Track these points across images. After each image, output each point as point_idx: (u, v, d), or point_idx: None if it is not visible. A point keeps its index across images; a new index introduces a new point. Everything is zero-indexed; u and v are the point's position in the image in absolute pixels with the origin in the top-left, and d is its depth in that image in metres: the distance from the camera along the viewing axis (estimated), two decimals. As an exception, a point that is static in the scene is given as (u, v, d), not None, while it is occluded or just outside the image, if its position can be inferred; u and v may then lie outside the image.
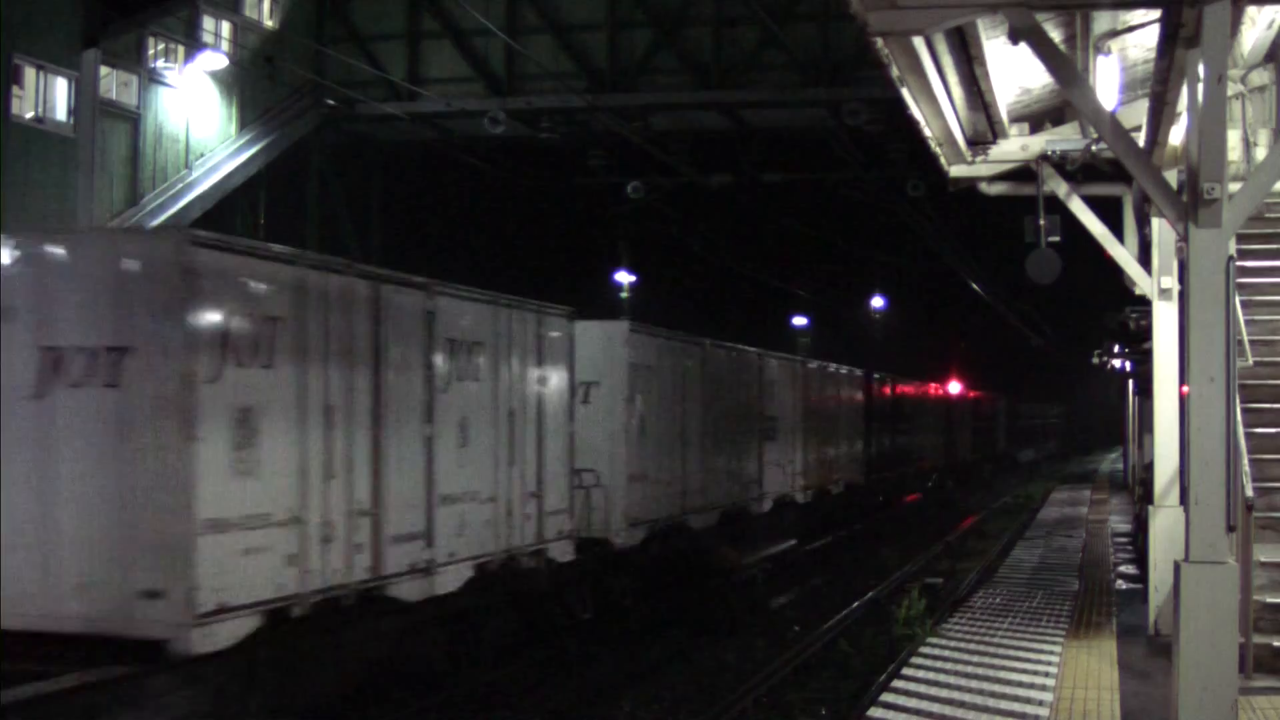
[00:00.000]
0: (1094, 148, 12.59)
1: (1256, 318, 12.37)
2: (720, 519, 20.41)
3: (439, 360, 12.27)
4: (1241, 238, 12.29)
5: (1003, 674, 11.41)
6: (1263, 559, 10.44)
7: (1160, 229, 13.13)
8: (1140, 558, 17.16)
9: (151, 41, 23.76)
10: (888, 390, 35.75)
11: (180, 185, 24.00)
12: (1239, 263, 10.54)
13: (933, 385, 43.74)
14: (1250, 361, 11.74)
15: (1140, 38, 11.47)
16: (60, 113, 21.43)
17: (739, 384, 21.99)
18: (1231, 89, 11.72)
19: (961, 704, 10.48)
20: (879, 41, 9.22)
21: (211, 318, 9.43)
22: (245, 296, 9.80)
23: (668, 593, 17.77)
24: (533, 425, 14.09)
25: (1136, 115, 11.70)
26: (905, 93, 10.75)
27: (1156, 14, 9.06)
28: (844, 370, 30.69)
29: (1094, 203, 13.51)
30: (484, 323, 13.23)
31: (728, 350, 21.69)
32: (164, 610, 9.01)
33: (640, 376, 17.25)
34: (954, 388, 48.41)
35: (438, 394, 12.16)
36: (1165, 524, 12.69)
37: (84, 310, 9.48)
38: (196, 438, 9.17)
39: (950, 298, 47.37)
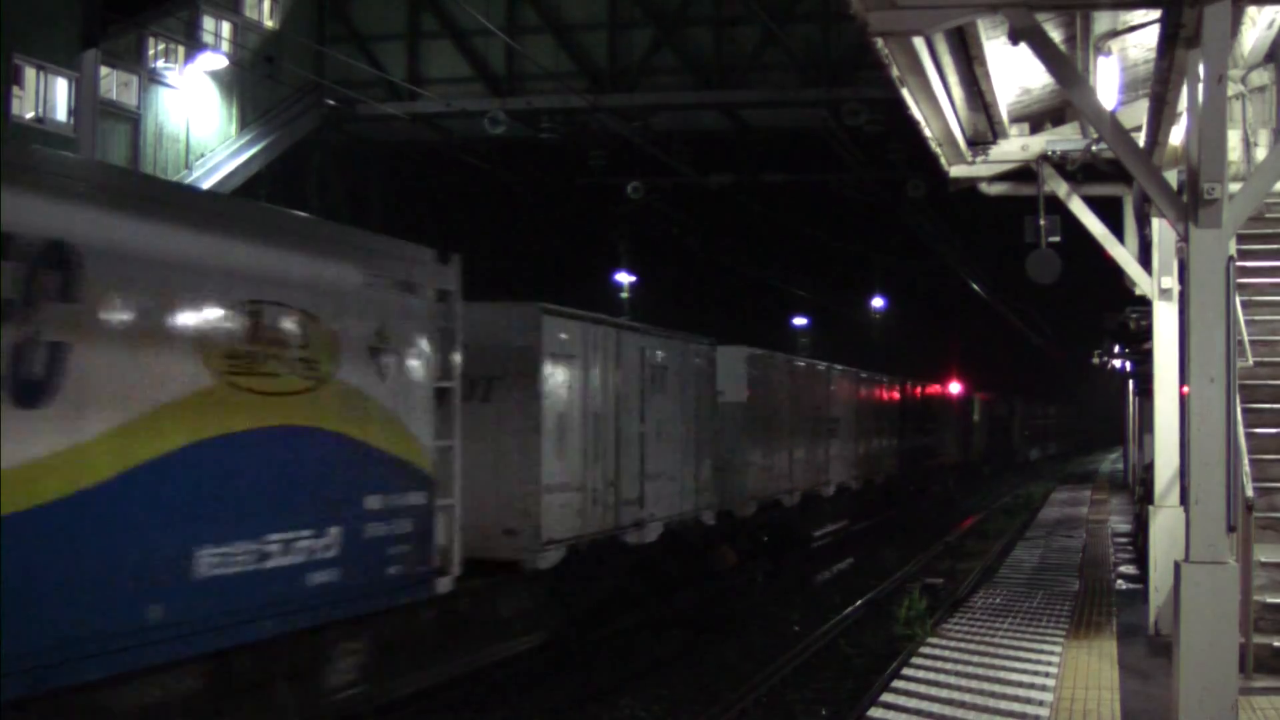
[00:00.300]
0: (1094, 148, 12.59)
1: (1256, 318, 12.37)
2: (801, 499, 25.54)
3: (647, 380, 17.33)
4: (1241, 238, 12.30)
5: (1003, 674, 11.41)
6: (1263, 559, 10.44)
7: (1160, 229, 13.13)
8: (1140, 558, 17.16)
9: (151, 41, 23.78)
10: (918, 393, 40.00)
11: (180, 185, 24.02)
12: (1239, 263, 10.54)
13: (953, 388, 48.07)
14: (1250, 361, 11.74)
15: (1140, 38, 11.47)
16: (60, 113, 21.44)
17: (813, 391, 27.00)
18: (1231, 89, 11.72)
19: (961, 704, 10.48)
20: (879, 41, 9.22)
21: (547, 355, 14.43)
22: (561, 343, 14.85)
23: (769, 549, 23.31)
24: (694, 426, 18.94)
25: (1136, 115, 11.70)
26: (905, 93, 10.75)
27: (1157, 14, 9.06)
28: (885, 377, 35.47)
29: (1094, 203, 13.51)
30: (671, 354, 18.29)
31: (806, 364, 27.93)
32: (520, 541, 13.87)
33: (755, 387, 22.52)
34: (972, 390, 52.69)
35: (646, 404, 17.23)
36: (1165, 524, 12.69)
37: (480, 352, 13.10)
38: (541, 432, 14.05)
39: (953, 299, 47.46)
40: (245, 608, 8.86)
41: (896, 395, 36.57)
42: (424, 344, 11.14)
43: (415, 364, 11.04)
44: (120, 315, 8.06)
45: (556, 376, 14.60)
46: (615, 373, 16.25)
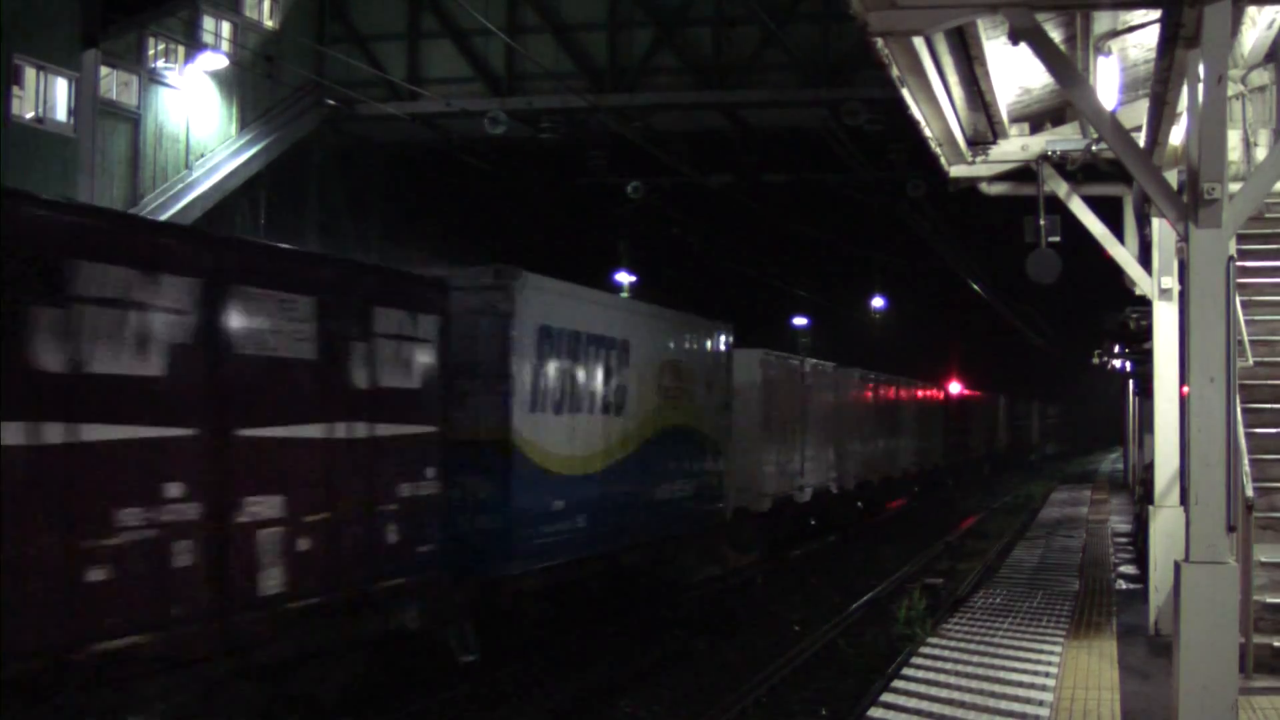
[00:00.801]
0: (1094, 148, 12.59)
1: (1256, 318, 12.37)
2: (881, 479, 35.46)
3: (807, 392, 27.44)
4: (1241, 238, 12.29)
5: (1003, 674, 11.41)
6: (1263, 559, 10.44)
7: (1160, 229, 13.13)
8: (1140, 558, 17.17)
9: (152, 41, 23.78)
10: (955, 396, 49.40)
11: (180, 185, 24.01)
12: (1239, 263, 10.55)
13: (981, 391, 56.51)
14: (1250, 361, 11.74)
15: (1140, 38, 11.47)
16: (60, 113, 21.44)
17: (884, 397, 36.40)
18: (1231, 89, 11.73)
19: (961, 704, 10.48)
20: (879, 41, 9.22)
21: (764, 383, 23.95)
22: (768, 374, 24.45)
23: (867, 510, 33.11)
24: (827, 423, 28.71)
25: (1136, 115, 11.70)
26: (905, 93, 10.75)
27: (1157, 14, 9.05)
28: (934, 386, 46.14)
29: (1094, 203, 13.51)
30: (820, 375, 29.25)
31: (877, 376, 35.80)
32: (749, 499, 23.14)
33: (854, 397, 32.88)
34: (997, 393, 62.01)
35: (807, 407, 27.05)
36: (1165, 524, 12.70)
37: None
38: (764, 427, 23.43)
39: (964, 304, 47.49)
40: (670, 521, 18.39)
41: (941, 398, 47.24)
42: (721, 378, 20.75)
43: (717, 389, 20.47)
44: (640, 371, 17.26)
45: (773, 399, 24.68)
46: (796, 390, 26.50)
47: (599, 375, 16.12)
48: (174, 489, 8.79)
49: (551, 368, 14.73)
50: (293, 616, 9.87)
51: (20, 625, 7.53)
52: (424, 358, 12.01)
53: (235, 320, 9.53)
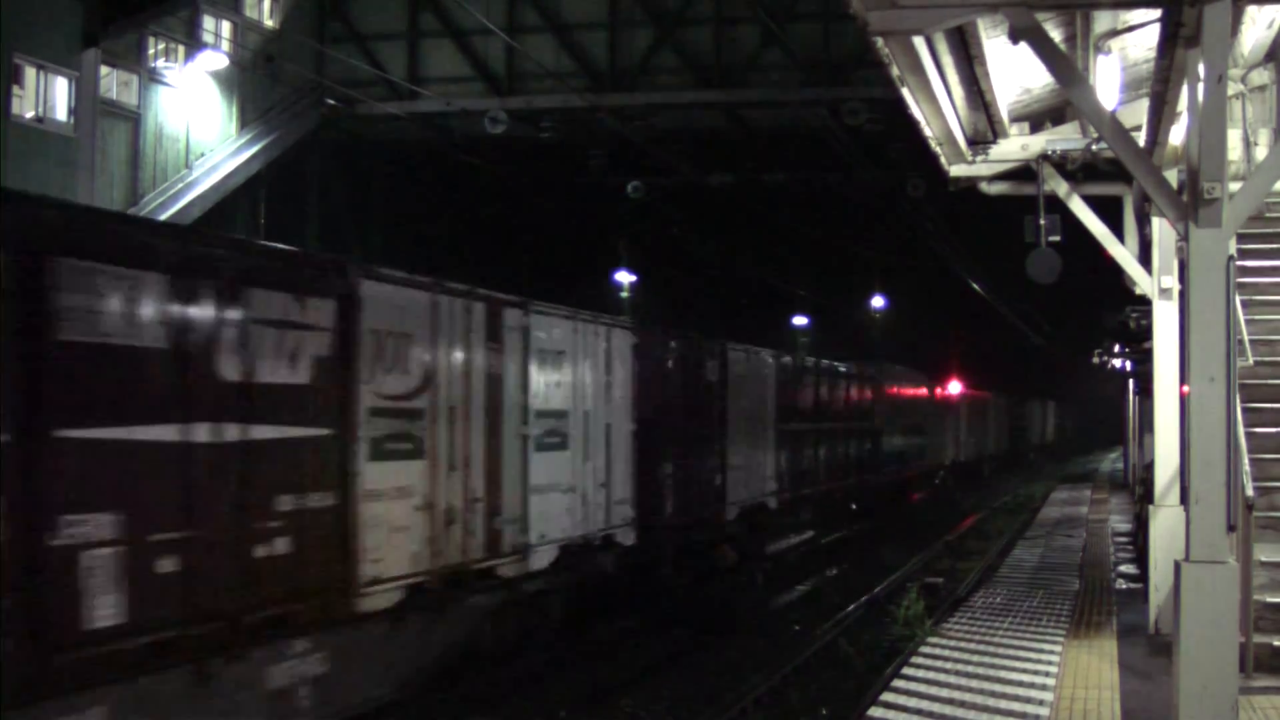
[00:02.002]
0: (1094, 147, 12.59)
1: (1256, 318, 12.37)
2: (952, 463, 43.50)
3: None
4: (1241, 237, 12.29)
5: (1003, 673, 11.41)
6: (1263, 558, 10.44)
7: (1160, 229, 13.13)
8: (1140, 557, 17.16)
9: (152, 41, 23.78)
10: (978, 397, 54.47)
11: (180, 185, 24.02)
12: (1239, 262, 10.55)
13: (999, 393, 61.12)
14: (1250, 361, 11.74)
15: (1141, 37, 11.47)
16: (60, 112, 21.44)
17: (944, 395, 44.28)
18: (1232, 89, 11.73)
19: (962, 704, 10.48)
20: (879, 41, 9.23)
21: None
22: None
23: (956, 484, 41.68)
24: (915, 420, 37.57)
25: (1137, 115, 11.70)
26: (905, 92, 10.75)
27: (1157, 14, 9.06)
28: (984, 389, 54.74)
29: (1094, 202, 13.51)
30: (895, 378, 33.00)
31: (940, 380, 43.72)
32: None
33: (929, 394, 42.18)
34: (1030, 395, 71.31)
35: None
36: (1165, 523, 12.69)
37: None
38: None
39: (963, 301, 47.67)
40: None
41: (990, 398, 56.58)
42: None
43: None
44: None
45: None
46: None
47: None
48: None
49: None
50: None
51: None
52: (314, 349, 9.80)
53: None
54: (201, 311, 8.73)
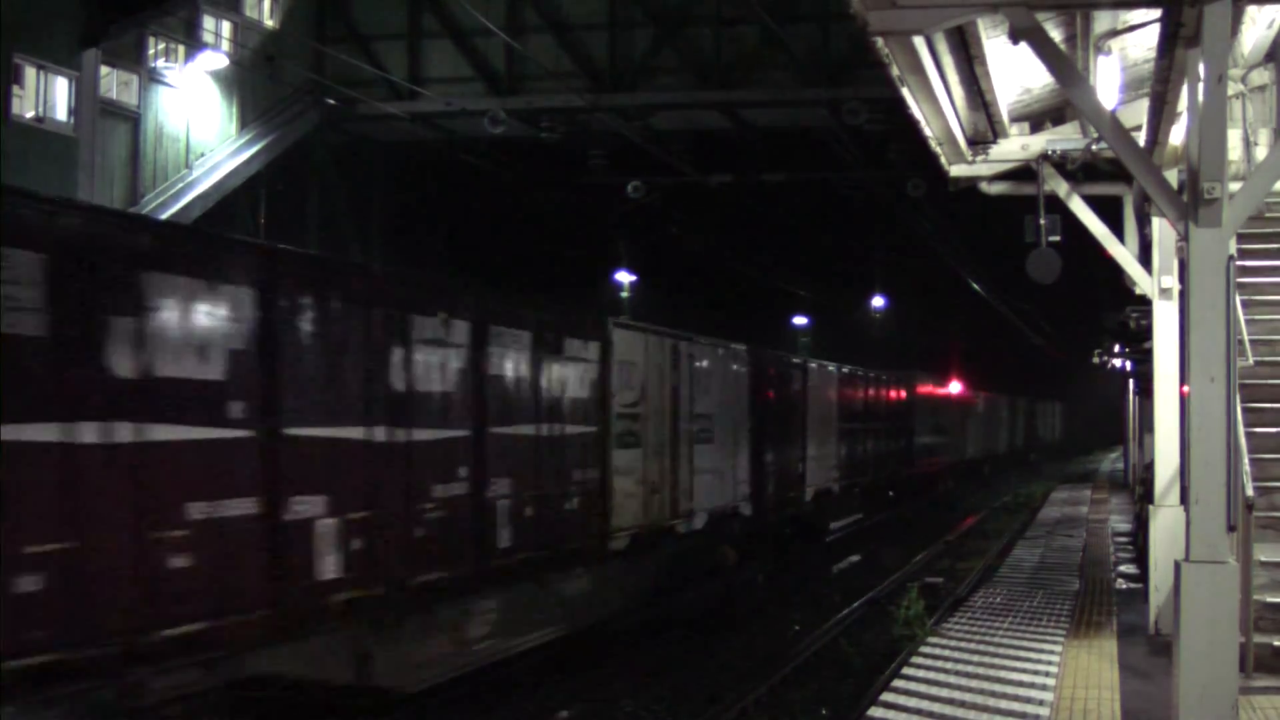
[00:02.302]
0: (1094, 147, 12.59)
1: (1256, 317, 12.37)
2: (985, 454, 52.48)
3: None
4: (1241, 237, 12.29)
5: (1003, 673, 11.41)
6: (1263, 558, 10.44)
7: (1161, 228, 13.13)
8: (1140, 557, 17.16)
9: (152, 41, 23.77)
10: (996, 399, 59.92)
11: (180, 185, 24.01)
12: (1239, 262, 10.55)
13: (1015, 395, 66.96)
14: (1250, 361, 11.74)
15: (1141, 37, 11.47)
16: (60, 112, 21.44)
17: (980, 399, 53.23)
18: (1232, 89, 11.72)
19: (962, 704, 10.48)
20: (879, 41, 9.22)
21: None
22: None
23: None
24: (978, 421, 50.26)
25: (1137, 115, 11.70)
26: (905, 92, 10.75)
27: (1157, 14, 9.05)
28: (1008, 393, 62.83)
29: (1094, 202, 13.51)
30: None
31: (974, 388, 51.48)
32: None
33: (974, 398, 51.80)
34: (1032, 397, 75.12)
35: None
36: (1165, 523, 12.69)
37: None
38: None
39: (964, 303, 47.82)
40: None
41: (1006, 400, 62.96)
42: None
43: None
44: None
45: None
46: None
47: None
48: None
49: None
50: None
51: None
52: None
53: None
54: (549, 353, 13.75)
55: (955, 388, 47.44)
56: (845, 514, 29.94)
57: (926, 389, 40.60)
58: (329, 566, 10.00)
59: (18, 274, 7.57)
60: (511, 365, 12.84)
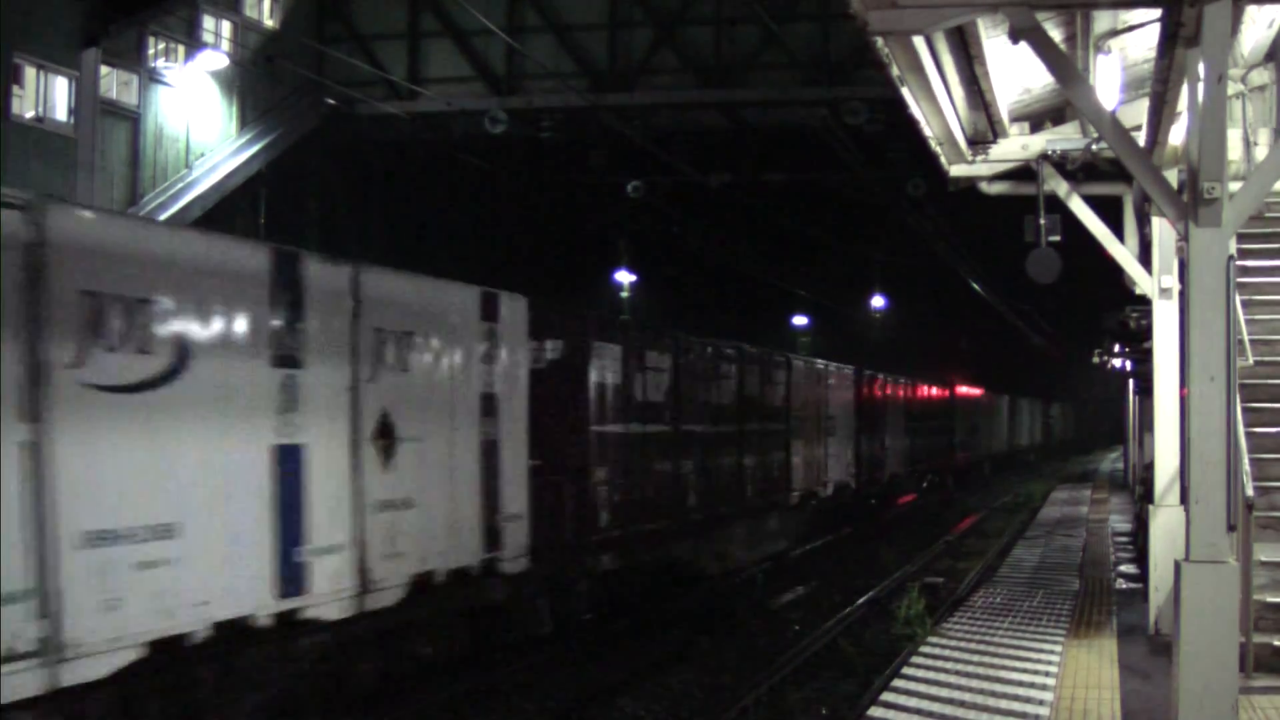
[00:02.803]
0: (1094, 147, 12.58)
1: (1256, 317, 12.37)
2: (1011, 447, 63.40)
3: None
4: (1241, 237, 12.30)
5: (1003, 673, 11.41)
6: (1263, 558, 10.44)
7: (1160, 228, 13.13)
8: (1140, 557, 17.16)
9: (152, 41, 23.77)
10: (1018, 401, 67.69)
11: (180, 185, 24.01)
12: (1239, 262, 10.55)
13: (1033, 397, 75.80)
14: (1250, 361, 11.74)
15: (1140, 37, 11.48)
16: (60, 112, 21.44)
17: (1015, 403, 63.84)
18: (1232, 88, 11.72)
19: (962, 703, 10.48)
20: (879, 41, 9.23)
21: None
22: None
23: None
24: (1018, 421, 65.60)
25: (1137, 115, 11.70)
26: (905, 92, 10.75)
27: (1157, 13, 9.05)
28: (1022, 397, 70.21)
29: (1094, 202, 13.50)
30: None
31: (1008, 395, 61.78)
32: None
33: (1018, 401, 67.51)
34: (1047, 399, 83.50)
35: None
36: (1165, 523, 12.69)
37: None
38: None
39: (967, 303, 47.88)
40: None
41: (1026, 401, 71.53)
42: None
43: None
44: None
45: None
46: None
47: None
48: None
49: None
50: None
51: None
52: None
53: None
54: (761, 379, 23.12)
55: (988, 391, 57.30)
56: (909, 491, 38.78)
57: (964, 392, 50.92)
58: (691, 499, 19.33)
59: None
60: (756, 385, 22.67)
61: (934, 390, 43.27)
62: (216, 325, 9.40)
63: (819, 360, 27.86)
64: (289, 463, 10.00)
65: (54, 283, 8.09)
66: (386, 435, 11.24)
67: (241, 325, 9.65)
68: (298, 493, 10.10)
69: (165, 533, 8.78)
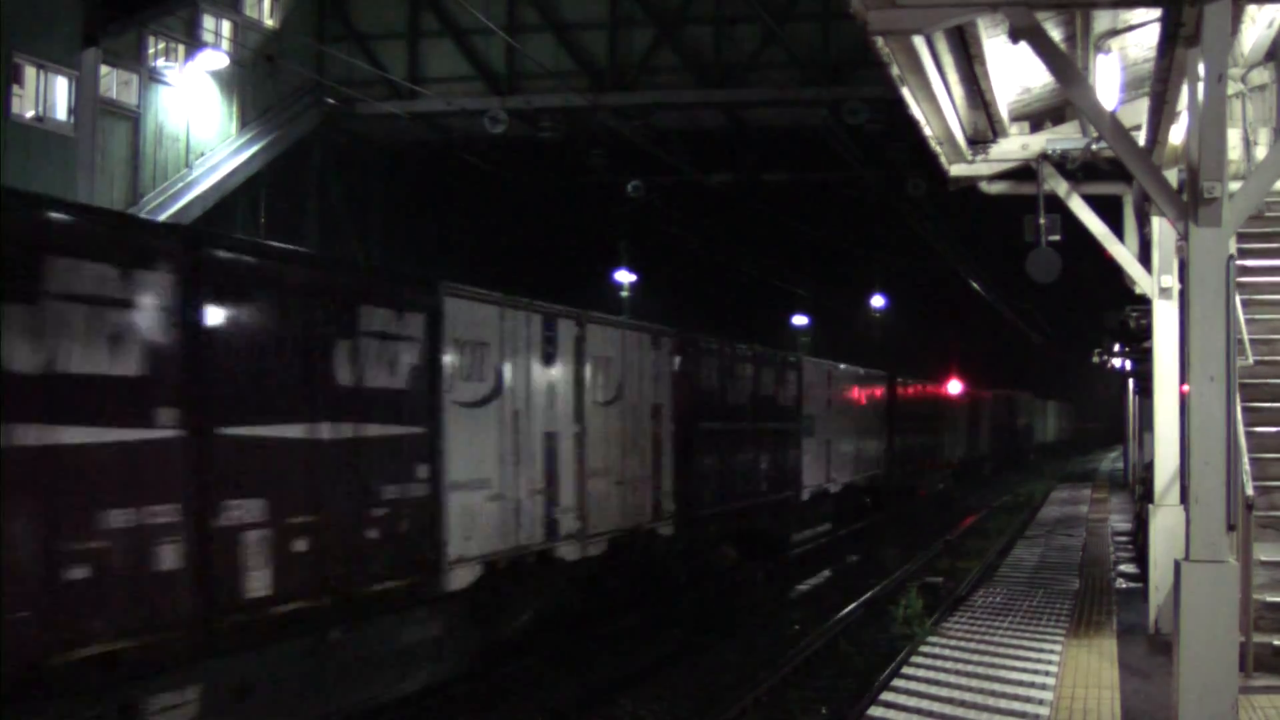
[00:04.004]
0: (1094, 147, 12.58)
1: (1256, 317, 12.38)
2: (1036, 444, 74.87)
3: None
4: (1241, 237, 12.29)
5: (1003, 673, 11.41)
6: (1263, 558, 10.45)
7: (1160, 228, 13.13)
8: (1140, 557, 17.17)
9: (152, 41, 23.76)
10: (1039, 402, 76.02)
11: (180, 184, 24.00)
12: (1239, 262, 10.55)
13: (1051, 398, 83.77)
14: (1250, 360, 11.75)
15: (1140, 37, 11.48)
16: (60, 112, 21.43)
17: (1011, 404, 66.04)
18: (1232, 88, 11.73)
19: (962, 703, 10.48)
20: (879, 41, 9.23)
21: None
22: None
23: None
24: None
25: (1137, 114, 11.70)
26: (905, 92, 10.75)
27: (1157, 13, 9.06)
28: (1059, 400, 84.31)
29: (1094, 202, 13.50)
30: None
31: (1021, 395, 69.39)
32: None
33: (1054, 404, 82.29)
34: (1057, 400, 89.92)
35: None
36: (1165, 523, 12.70)
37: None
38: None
39: (971, 303, 47.94)
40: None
41: (1046, 402, 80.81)
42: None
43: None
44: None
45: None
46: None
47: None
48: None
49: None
50: None
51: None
52: None
53: None
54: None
55: (1012, 393, 64.59)
56: (939, 482, 43.85)
57: (991, 395, 57.50)
58: (763, 484, 22.74)
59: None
60: (809, 388, 25.93)
61: (964, 393, 50.16)
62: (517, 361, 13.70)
63: (858, 367, 32.25)
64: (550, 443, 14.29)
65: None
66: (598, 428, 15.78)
67: (529, 360, 13.98)
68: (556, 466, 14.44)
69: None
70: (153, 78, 23.68)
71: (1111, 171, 13.13)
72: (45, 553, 7.65)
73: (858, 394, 31.49)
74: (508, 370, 13.35)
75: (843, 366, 30.63)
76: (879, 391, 33.89)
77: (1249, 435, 10.81)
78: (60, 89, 21.39)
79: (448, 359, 12.24)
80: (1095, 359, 30.14)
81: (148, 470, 8.38)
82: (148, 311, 8.47)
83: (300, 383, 9.90)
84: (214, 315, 9.11)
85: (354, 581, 10.37)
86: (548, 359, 14.48)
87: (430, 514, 11.68)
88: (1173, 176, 10.23)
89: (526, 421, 13.72)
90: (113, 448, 8.09)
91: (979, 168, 13.49)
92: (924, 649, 12.73)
